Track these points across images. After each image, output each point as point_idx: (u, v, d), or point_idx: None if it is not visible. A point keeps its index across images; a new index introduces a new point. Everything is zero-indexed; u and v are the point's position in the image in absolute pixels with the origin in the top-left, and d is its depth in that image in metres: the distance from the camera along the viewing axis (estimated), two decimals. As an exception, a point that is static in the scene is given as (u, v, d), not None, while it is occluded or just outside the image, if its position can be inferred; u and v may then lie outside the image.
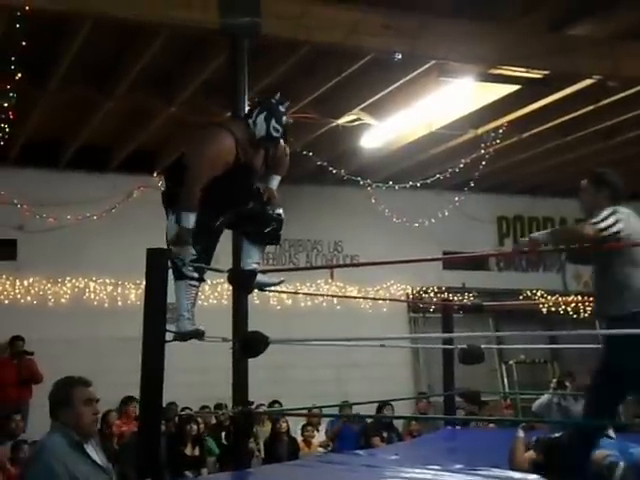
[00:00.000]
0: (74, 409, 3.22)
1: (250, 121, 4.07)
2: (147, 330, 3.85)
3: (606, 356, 3.84)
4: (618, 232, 3.69)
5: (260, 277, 4.23)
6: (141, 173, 10.40)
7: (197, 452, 8.15)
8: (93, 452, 3.23)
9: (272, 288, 4.50)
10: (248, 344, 4.15)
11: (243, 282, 4.22)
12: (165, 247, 4.03)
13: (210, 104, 8.12)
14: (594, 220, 3.71)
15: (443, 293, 11.29)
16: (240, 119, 4.23)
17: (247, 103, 5.81)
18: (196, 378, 9.57)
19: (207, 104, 8.17)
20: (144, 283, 3.97)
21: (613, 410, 4.01)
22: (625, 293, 3.73)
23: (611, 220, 3.70)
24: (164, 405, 4.37)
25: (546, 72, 7.35)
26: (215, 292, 10.11)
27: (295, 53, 7.01)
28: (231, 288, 5.12)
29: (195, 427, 8.24)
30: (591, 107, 8.60)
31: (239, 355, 4.50)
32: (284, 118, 4.08)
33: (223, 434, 8.69)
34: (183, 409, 9.03)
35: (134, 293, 10.09)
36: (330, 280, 9.36)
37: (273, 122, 4.05)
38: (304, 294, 10.49)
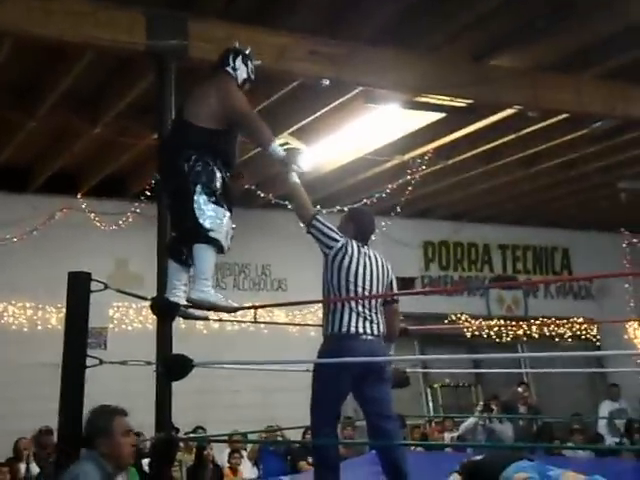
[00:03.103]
0: (113, 439, 3.12)
1: (229, 69, 4.24)
2: (67, 355, 3.76)
3: None
4: (324, 244, 4.23)
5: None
6: (64, 195, 10.19)
7: (119, 481, 7.94)
8: None
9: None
10: (171, 367, 4.08)
11: (166, 314, 4.17)
12: (86, 271, 3.94)
13: (136, 126, 8.04)
14: (322, 219, 4.25)
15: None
16: (223, 72, 4.32)
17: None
18: (118, 404, 9.35)
19: (133, 126, 8.09)
20: (65, 307, 3.88)
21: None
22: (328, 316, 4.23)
23: (333, 234, 4.24)
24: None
25: (470, 101, 7.52)
26: (140, 316, 9.94)
27: (223, 76, 7.00)
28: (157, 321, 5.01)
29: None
30: (512, 136, 8.84)
31: (162, 379, 4.43)
32: (253, 60, 4.34)
33: (144, 462, 8.49)
34: (105, 436, 8.80)
35: (55, 317, 9.83)
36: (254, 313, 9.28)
37: (250, 64, 4.31)
38: (228, 321, 10.37)
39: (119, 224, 10.29)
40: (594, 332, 13.03)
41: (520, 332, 12.51)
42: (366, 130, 8.34)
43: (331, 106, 7.76)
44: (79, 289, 3.79)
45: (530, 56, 7.21)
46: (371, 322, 4.13)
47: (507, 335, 12.51)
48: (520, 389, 9.83)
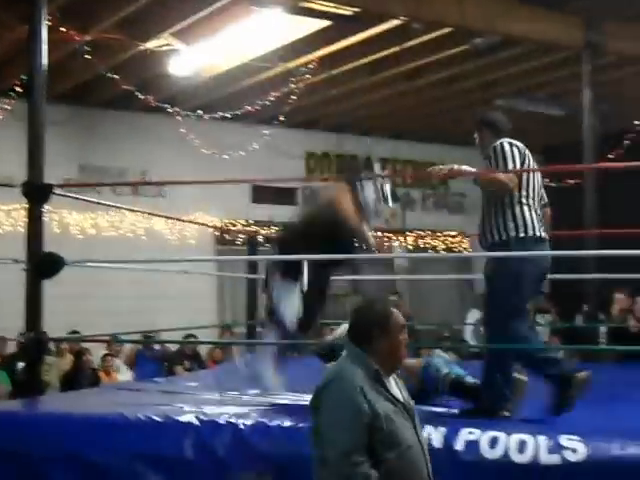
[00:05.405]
0: (390, 335, 2.67)
1: (357, 182, 4.53)
2: None
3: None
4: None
5: None
6: None
7: (-12, 385, 7.80)
8: (393, 386, 2.71)
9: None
10: (42, 264, 4.00)
11: (39, 197, 4.09)
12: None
13: (6, 16, 7.58)
14: (505, 166, 3.83)
15: (250, 226, 11.40)
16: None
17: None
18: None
19: (2, 16, 7.62)
20: None
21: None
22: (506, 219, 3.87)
23: (509, 158, 3.83)
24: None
25: (355, 9, 7.48)
26: (10, 218, 9.59)
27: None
28: (27, 213, 4.84)
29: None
30: (397, 48, 8.88)
31: (32, 278, 4.31)
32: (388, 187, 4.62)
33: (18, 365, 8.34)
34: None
35: None
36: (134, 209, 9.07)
37: (381, 192, 4.57)
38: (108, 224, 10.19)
39: (-13, 122, 9.75)
40: (465, 245, 13.56)
41: (396, 244, 12.87)
42: (250, 35, 8.17)
43: (215, 7, 7.54)
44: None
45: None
46: (542, 224, 3.98)
47: (384, 247, 12.85)
48: (394, 298, 10.19)
